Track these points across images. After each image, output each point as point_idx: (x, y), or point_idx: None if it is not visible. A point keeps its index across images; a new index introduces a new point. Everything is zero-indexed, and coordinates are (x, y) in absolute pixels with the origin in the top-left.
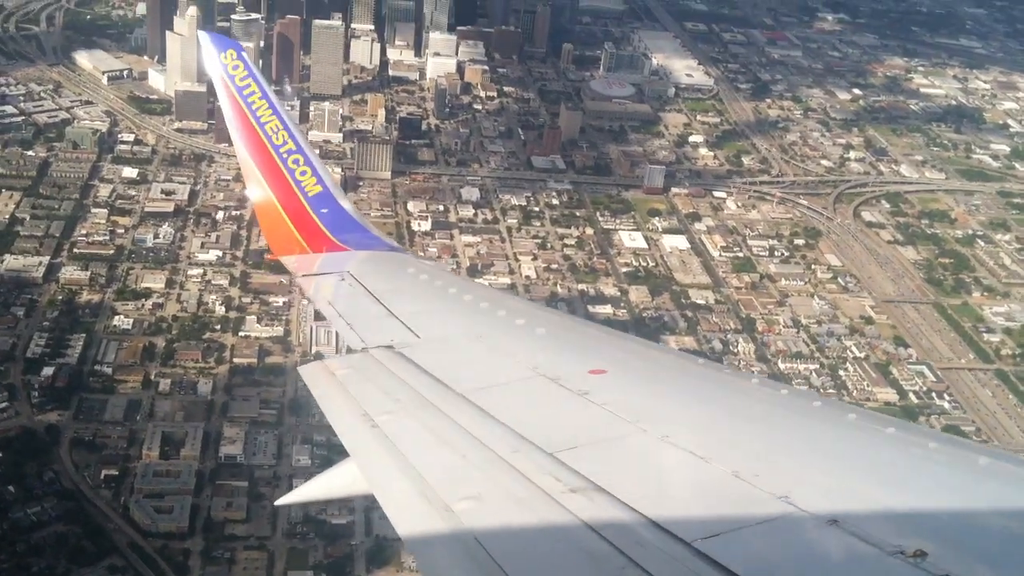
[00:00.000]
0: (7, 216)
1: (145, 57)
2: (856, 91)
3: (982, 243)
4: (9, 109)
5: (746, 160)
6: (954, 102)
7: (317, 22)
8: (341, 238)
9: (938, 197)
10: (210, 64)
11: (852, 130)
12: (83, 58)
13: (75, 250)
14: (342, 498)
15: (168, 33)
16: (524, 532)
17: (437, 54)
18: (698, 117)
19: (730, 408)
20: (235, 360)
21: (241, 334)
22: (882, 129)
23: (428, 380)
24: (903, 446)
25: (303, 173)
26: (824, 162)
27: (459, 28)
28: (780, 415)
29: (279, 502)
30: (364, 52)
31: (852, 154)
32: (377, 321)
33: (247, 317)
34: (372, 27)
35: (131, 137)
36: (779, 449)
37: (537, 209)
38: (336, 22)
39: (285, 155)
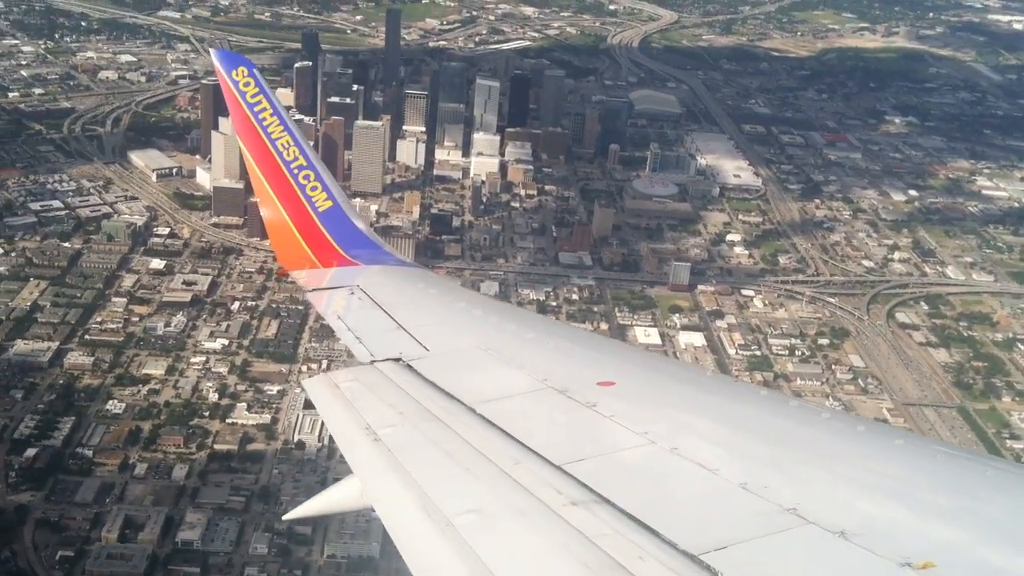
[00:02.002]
0: (29, 303)
1: (198, 156)
2: (912, 192)
3: (1022, 347)
4: (56, 204)
5: (783, 259)
6: (1016, 204)
7: (359, 123)
8: (351, 253)
9: (983, 300)
10: (221, 82)
11: (902, 231)
12: (137, 157)
13: (86, 336)
14: (346, 512)
15: (213, 132)
16: (524, 546)
17: (480, 154)
18: (740, 216)
19: (739, 420)
20: (215, 446)
21: (228, 421)
22: (934, 231)
23: (434, 393)
24: (912, 457)
25: (314, 189)
26: (866, 262)
27: (508, 130)
28: (789, 427)
29: (286, 517)
30: (410, 152)
31: (897, 255)
32: (386, 334)
33: (238, 404)
34: (423, 129)
35: (166, 230)
36: (788, 461)
37: (555, 304)
38: (377, 123)
39: (296, 171)
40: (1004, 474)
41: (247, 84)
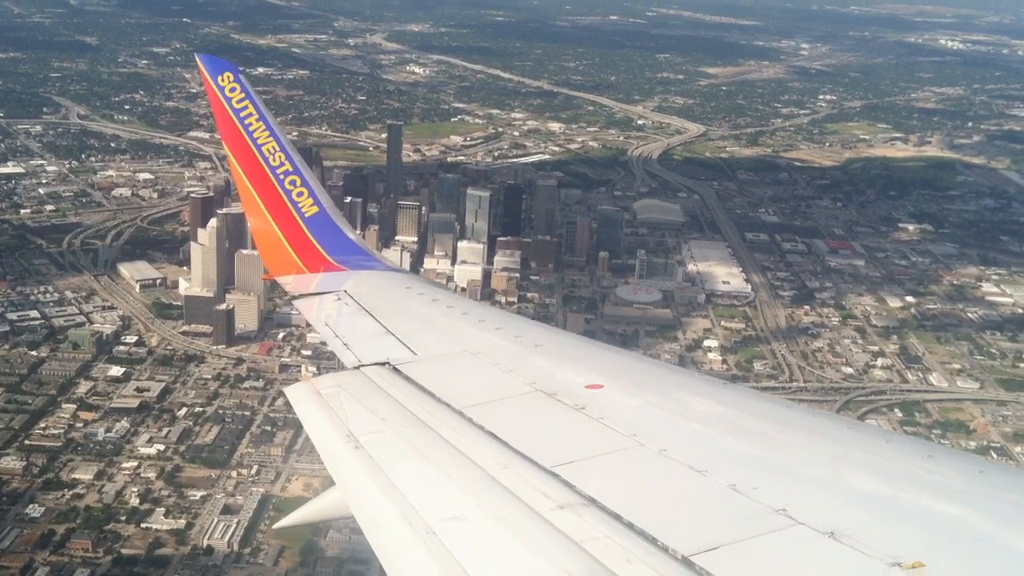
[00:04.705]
0: None
1: (186, 268)
2: (909, 299)
3: (995, 455)
4: (33, 314)
5: (758, 365)
6: (1021, 310)
7: None
8: (338, 258)
9: (964, 407)
10: (207, 86)
11: (891, 338)
12: (125, 268)
13: (25, 442)
14: (333, 519)
15: (192, 244)
16: (507, 551)
17: (464, 262)
18: (722, 323)
19: (728, 421)
20: (123, 551)
21: (143, 525)
22: (925, 337)
23: (420, 397)
24: (901, 457)
25: (300, 194)
26: (845, 369)
27: (499, 238)
28: (778, 427)
29: (276, 526)
30: (394, 260)
31: (880, 361)
32: (373, 339)
33: (156, 509)
34: (415, 239)
35: (134, 339)
36: (777, 461)
37: None
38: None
39: (282, 176)
40: (994, 474)
41: (232, 89)
